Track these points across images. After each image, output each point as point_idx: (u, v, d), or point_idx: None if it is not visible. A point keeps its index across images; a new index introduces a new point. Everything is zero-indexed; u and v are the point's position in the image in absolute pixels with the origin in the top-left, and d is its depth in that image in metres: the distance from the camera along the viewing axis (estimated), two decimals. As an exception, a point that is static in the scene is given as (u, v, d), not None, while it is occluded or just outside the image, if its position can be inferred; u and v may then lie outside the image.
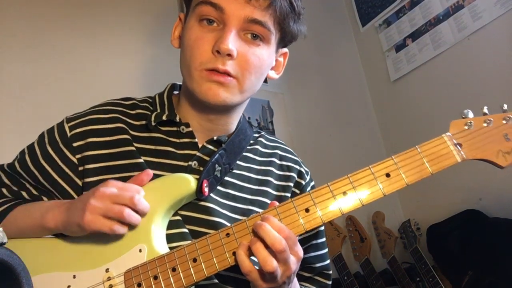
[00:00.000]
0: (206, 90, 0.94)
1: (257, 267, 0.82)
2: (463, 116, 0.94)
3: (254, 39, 0.96)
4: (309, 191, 1.07)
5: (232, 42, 0.92)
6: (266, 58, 0.99)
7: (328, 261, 1.13)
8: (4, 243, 0.60)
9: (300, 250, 0.84)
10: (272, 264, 0.79)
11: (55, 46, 1.84)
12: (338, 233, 2.28)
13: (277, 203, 0.88)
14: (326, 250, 1.13)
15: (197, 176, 0.96)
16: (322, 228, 1.12)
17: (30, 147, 1.04)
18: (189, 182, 0.93)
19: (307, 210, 0.86)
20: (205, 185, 0.94)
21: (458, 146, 0.90)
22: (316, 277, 1.10)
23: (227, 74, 0.93)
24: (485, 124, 0.93)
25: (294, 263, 0.82)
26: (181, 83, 1.08)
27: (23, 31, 1.79)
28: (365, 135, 2.80)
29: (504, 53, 2.19)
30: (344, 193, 0.87)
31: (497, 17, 2.22)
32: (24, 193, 1.01)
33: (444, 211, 2.33)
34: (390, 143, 2.76)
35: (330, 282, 1.13)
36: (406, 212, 2.64)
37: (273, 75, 1.08)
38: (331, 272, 1.14)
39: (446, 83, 2.46)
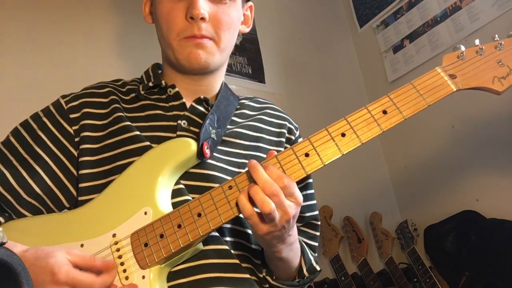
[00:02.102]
0: (187, 55, 1.02)
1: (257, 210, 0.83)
2: (455, 50, 0.95)
3: None
4: None
5: (203, 6, 0.99)
6: (236, 14, 1.07)
7: (317, 212, 1.16)
8: (4, 243, 0.60)
9: (299, 196, 0.86)
10: (269, 205, 0.80)
11: (52, 45, 1.84)
12: (336, 234, 2.28)
13: (275, 152, 0.89)
14: (315, 201, 1.17)
15: (190, 134, 1.00)
16: (311, 180, 1.16)
17: (24, 124, 1.04)
18: (190, 144, 0.95)
19: (307, 155, 0.87)
20: (206, 147, 0.96)
21: (452, 77, 0.91)
22: (304, 228, 1.13)
23: (204, 37, 1.01)
24: (477, 54, 0.93)
25: (292, 208, 0.84)
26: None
27: (17, 30, 1.78)
28: (363, 136, 2.79)
29: (502, 54, 2.19)
30: (343, 134, 0.88)
31: (495, 19, 2.22)
32: (8, 174, 0.98)
33: (441, 212, 2.33)
34: (387, 143, 2.76)
35: (318, 233, 1.16)
36: (403, 213, 2.64)
37: (244, 29, 1.16)
38: (319, 223, 1.17)
39: (444, 84, 2.46)
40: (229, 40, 1.07)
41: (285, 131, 1.15)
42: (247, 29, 1.17)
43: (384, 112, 0.88)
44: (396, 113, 0.88)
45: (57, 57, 1.83)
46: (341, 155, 0.87)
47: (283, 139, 1.13)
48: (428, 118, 2.46)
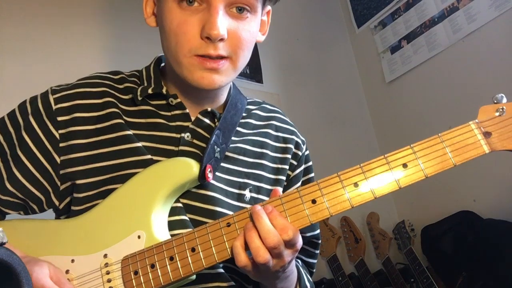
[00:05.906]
0: (199, 78, 0.89)
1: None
2: (495, 101, 0.82)
3: (241, 12, 0.89)
4: (305, 160, 1.06)
5: (222, 25, 0.86)
6: (255, 28, 0.94)
7: (318, 231, 1.10)
8: (4, 243, 0.60)
9: (300, 245, 0.81)
10: (264, 255, 0.75)
11: (51, 45, 1.84)
12: (333, 234, 2.28)
13: (280, 192, 0.83)
14: None
15: (193, 149, 0.94)
16: None
17: (12, 117, 0.98)
18: (192, 167, 0.89)
19: (313, 201, 0.79)
20: (209, 170, 0.90)
21: (487, 135, 0.79)
22: (304, 246, 1.06)
23: (220, 57, 0.88)
24: None
25: (289, 256, 0.80)
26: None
27: (17, 31, 1.78)
28: (360, 135, 2.80)
29: (499, 55, 2.20)
30: (355, 184, 0.79)
31: (492, 20, 2.23)
32: None
33: (438, 212, 2.34)
34: (385, 144, 2.77)
35: (318, 251, 1.11)
36: (400, 213, 2.65)
37: (261, 38, 1.02)
38: (320, 241, 1.12)
39: (441, 85, 2.47)
40: (247, 57, 0.94)
41: (291, 146, 1.06)
42: (262, 38, 1.02)
43: (405, 165, 0.79)
44: (417, 169, 0.78)
45: (57, 56, 1.83)
46: (351, 207, 0.79)
47: (289, 156, 1.05)
48: (427, 118, 2.47)
